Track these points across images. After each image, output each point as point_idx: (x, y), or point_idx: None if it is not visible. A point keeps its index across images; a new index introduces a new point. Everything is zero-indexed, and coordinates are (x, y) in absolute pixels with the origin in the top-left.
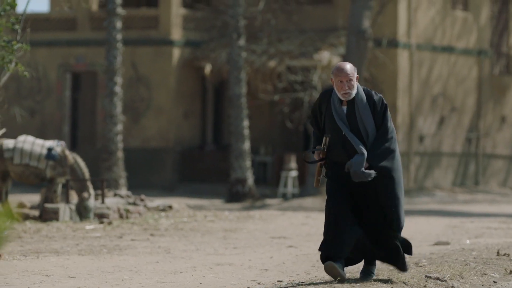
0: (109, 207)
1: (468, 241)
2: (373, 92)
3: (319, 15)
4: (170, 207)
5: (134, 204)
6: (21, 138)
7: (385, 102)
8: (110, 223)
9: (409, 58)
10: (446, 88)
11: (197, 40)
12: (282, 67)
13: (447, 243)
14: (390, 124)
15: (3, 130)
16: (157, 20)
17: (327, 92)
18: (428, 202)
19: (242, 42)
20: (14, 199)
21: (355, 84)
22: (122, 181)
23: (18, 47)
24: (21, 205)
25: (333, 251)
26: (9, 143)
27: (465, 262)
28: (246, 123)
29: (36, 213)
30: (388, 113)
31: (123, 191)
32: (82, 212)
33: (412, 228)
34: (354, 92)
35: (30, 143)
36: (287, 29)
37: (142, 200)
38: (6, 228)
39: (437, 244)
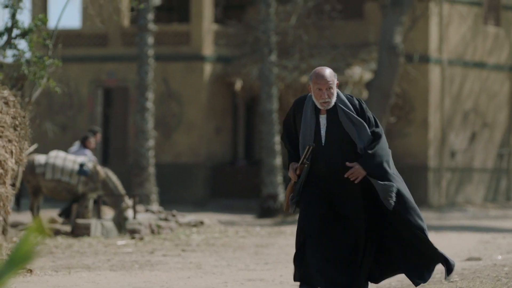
0: (141, 223)
1: (500, 257)
2: (354, 98)
3: (350, 30)
4: (202, 222)
5: (166, 219)
6: (53, 153)
7: (364, 104)
8: (141, 238)
9: (441, 73)
10: (478, 104)
11: (229, 56)
12: None
13: (479, 259)
14: (380, 129)
15: (35, 146)
16: (189, 35)
17: (301, 101)
18: (460, 218)
19: (273, 57)
20: (45, 214)
21: (335, 92)
22: (154, 196)
23: (49, 63)
24: (53, 221)
25: (300, 275)
26: (40, 158)
27: (496, 278)
28: (277, 138)
29: (67, 228)
30: (371, 114)
31: (155, 206)
32: (121, 223)
33: (444, 244)
34: (333, 100)
35: (61, 158)
36: (319, 45)
37: (173, 215)
38: (38, 243)
39: (468, 259)
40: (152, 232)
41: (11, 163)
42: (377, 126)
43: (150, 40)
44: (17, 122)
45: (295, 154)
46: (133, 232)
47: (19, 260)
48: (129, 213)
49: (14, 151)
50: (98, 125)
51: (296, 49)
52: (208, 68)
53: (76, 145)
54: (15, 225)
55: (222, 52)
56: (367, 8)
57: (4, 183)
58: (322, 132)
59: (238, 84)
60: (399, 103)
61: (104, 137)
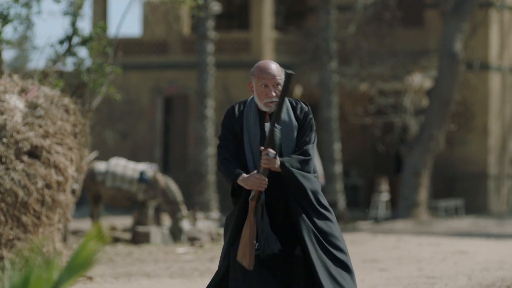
0: (201, 230)
1: None
2: (298, 105)
3: (411, 38)
4: None
5: None
6: (113, 161)
7: (311, 116)
8: (201, 246)
9: (501, 81)
10: None
11: (289, 63)
12: (373, 90)
13: None
14: (313, 150)
15: (95, 153)
16: (249, 43)
17: (240, 106)
18: None
19: (333, 65)
20: (106, 221)
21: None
22: (214, 204)
23: (109, 70)
24: (113, 228)
25: None
26: (101, 166)
27: None
28: (337, 146)
29: (127, 236)
30: (314, 134)
31: (215, 214)
32: (176, 234)
33: (505, 252)
34: None
35: (122, 166)
36: (379, 52)
37: None
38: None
39: None
40: (212, 239)
41: (71, 170)
42: (307, 147)
43: (210, 47)
44: (77, 130)
45: (236, 163)
46: (193, 240)
47: (77, 267)
48: (185, 224)
49: (74, 158)
50: (158, 133)
51: (356, 57)
52: None
53: None
54: (75, 232)
55: (282, 59)
56: (427, 16)
57: (64, 190)
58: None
59: (298, 92)
60: (460, 110)
61: (164, 145)
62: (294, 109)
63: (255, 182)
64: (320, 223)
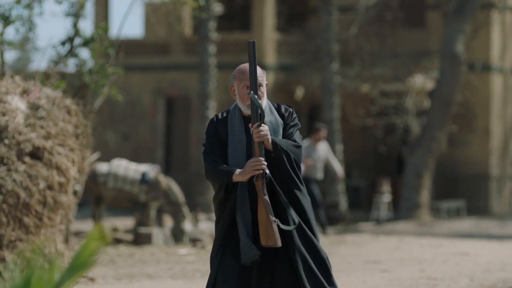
0: (202, 231)
1: None
2: (282, 106)
3: (412, 39)
4: None
5: None
6: (115, 162)
7: (296, 116)
8: (203, 247)
9: (503, 82)
10: None
11: (290, 64)
12: (375, 91)
13: None
14: (300, 140)
15: (97, 154)
16: None
17: (223, 113)
18: None
19: (335, 66)
20: (108, 223)
21: (265, 93)
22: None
23: (111, 71)
24: (115, 229)
25: None
26: (102, 167)
27: None
28: (339, 147)
29: (129, 237)
30: (298, 132)
31: None
32: (177, 235)
33: (507, 253)
34: (264, 103)
35: (123, 167)
36: (380, 53)
37: None
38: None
39: None
40: None
41: (73, 172)
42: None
43: (212, 49)
44: (79, 131)
45: (222, 162)
46: (194, 241)
47: (78, 267)
48: (187, 225)
49: (76, 160)
50: (159, 134)
51: (358, 58)
52: (269, 77)
53: (307, 140)
54: (77, 234)
55: (283, 60)
56: (429, 17)
57: (66, 191)
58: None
59: (299, 93)
60: (461, 111)
61: (166, 146)
62: (278, 109)
63: (253, 166)
64: (305, 205)
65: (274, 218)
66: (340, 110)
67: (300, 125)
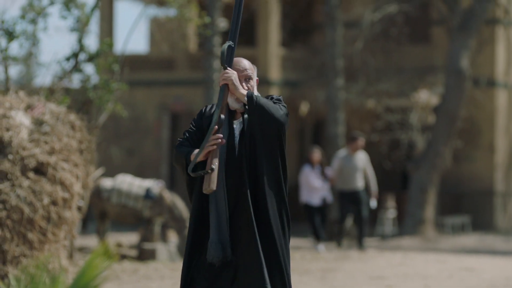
0: None
1: None
2: (272, 96)
3: (417, 54)
4: None
5: None
6: (119, 178)
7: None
8: None
9: (508, 97)
10: None
11: (295, 80)
12: (380, 107)
13: None
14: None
15: (102, 170)
16: (255, 59)
17: (213, 106)
18: None
19: (340, 82)
20: (112, 238)
21: (256, 87)
22: None
23: (115, 87)
24: (119, 245)
25: None
26: (107, 183)
27: None
28: None
29: (134, 253)
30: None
31: None
32: (182, 250)
33: (511, 269)
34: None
35: (127, 183)
36: (385, 68)
37: None
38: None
39: None
40: None
41: (77, 187)
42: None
43: (217, 64)
44: (83, 146)
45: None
46: None
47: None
48: None
49: (80, 175)
50: (164, 150)
51: (363, 73)
52: (274, 92)
53: (344, 150)
54: (81, 249)
55: (288, 76)
56: (434, 32)
57: (70, 207)
58: (235, 142)
59: (304, 108)
60: (466, 127)
61: (170, 162)
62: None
63: (210, 141)
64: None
65: (209, 171)
66: (345, 126)
67: (286, 107)
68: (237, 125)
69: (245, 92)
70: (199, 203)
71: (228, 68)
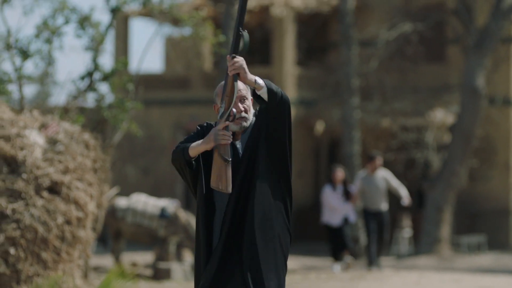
0: None
1: None
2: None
3: (433, 73)
4: None
5: None
6: (134, 197)
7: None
8: None
9: None
10: None
11: (310, 99)
12: (395, 126)
13: None
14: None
15: (116, 189)
16: (271, 78)
17: (209, 124)
18: None
19: (355, 100)
20: (127, 258)
21: (251, 107)
22: None
23: (130, 106)
24: (134, 264)
25: None
26: (122, 202)
27: None
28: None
29: (149, 272)
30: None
31: None
32: None
33: None
34: (251, 117)
35: (142, 202)
36: (401, 87)
37: None
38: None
39: None
40: None
41: (91, 206)
42: None
43: None
44: (97, 165)
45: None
46: None
47: None
48: None
49: (94, 194)
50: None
51: (378, 92)
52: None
53: (363, 171)
54: (96, 268)
55: (303, 95)
56: (450, 51)
57: (85, 226)
58: (240, 159)
59: (319, 127)
60: (482, 146)
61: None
62: None
63: (222, 135)
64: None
65: (229, 158)
66: (361, 145)
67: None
68: (239, 145)
69: (254, 78)
70: (206, 209)
71: (236, 56)
